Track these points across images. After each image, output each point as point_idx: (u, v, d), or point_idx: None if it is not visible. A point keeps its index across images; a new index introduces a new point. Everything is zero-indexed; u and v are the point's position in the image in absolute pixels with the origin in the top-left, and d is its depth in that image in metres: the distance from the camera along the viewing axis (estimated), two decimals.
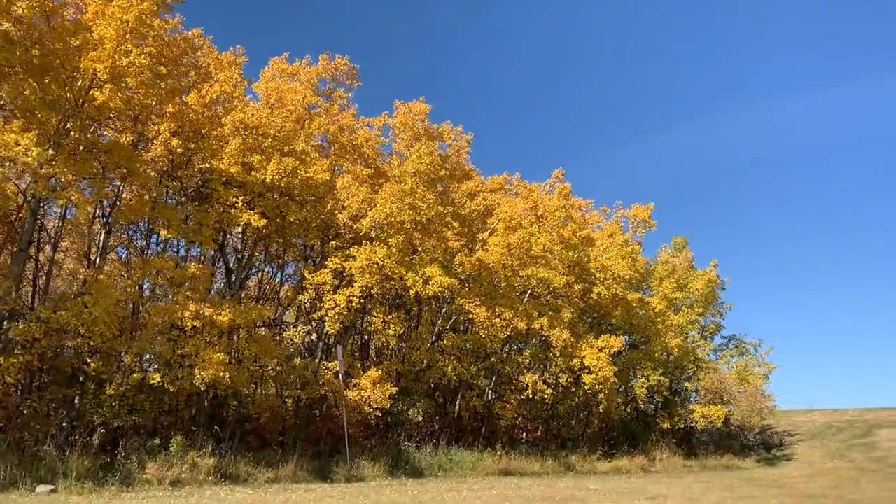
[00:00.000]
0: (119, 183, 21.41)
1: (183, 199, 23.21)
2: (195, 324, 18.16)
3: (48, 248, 21.01)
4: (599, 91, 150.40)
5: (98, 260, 21.09)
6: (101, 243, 21.36)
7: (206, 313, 17.97)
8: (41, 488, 14.23)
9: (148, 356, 19.13)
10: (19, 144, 14.59)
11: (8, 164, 14.40)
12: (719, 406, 34.25)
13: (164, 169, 21.91)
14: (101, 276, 18.22)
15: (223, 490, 16.43)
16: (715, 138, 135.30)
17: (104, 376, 18.36)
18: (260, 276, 30.04)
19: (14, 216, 20.11)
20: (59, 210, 20.97)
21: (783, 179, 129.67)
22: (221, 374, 17.95)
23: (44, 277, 20.67)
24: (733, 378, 36.24)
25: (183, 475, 17.07)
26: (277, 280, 29.59)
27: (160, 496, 14.84)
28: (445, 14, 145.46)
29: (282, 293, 28.35)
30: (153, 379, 17.99)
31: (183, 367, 18.42)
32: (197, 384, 18.16)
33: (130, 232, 24.74)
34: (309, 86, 25.30)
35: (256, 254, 27.62)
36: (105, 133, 20.78)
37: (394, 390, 22.27)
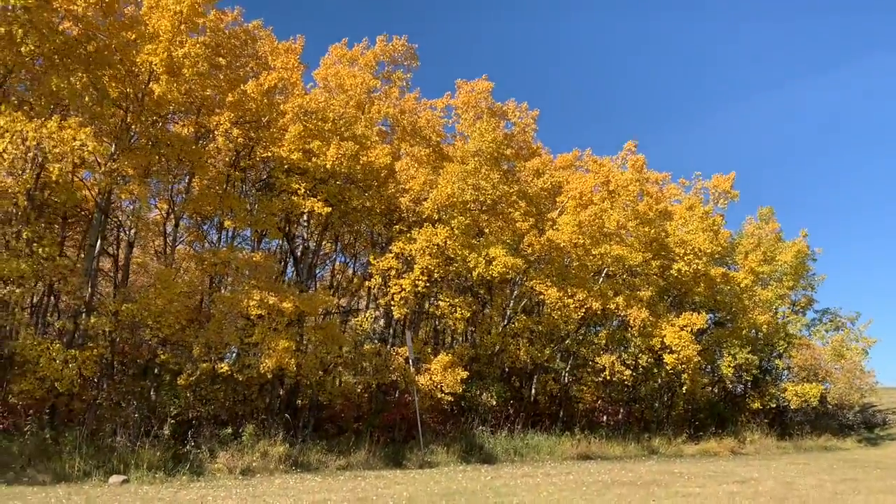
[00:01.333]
0: (187, 177, 21.83)
1: (248, 189, 23.36)
2: (261, 312, 18.11)
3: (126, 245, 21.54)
4: (674, 62, 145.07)
5: (168, 253, 21.46)
6: (171, 237, 21.70)
7: (271, 301, 17.86)
8: (114, 479, 14.41)
9: (216, 346, 19.16)
10: (76, 140, 14.71)
11: (66, 159, 14.49)
12: (814, 384, 32.28)
13: (229, 160, 22.11)
14: (164, 268, 18.33)
15: (293, 478, 16.32)
16: (796, 106, 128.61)
17: (175, 367, 18.55)
18: (333, 266, 30.15)
19: (86, 213, 20.67)
20: (132, 207, 21.49)
21: (872, 144, 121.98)
22: (287, 361, 17.86)
23: (122, 274, 21.18)
24: (828, 354, 34.07)
25: (254, 464, 17.07)
26: (351, 270, 29.61)
27: (229, 485, 14.80)
28: None
29: (355, 281, 28.29)
30: (221, 368, 18.03)
31: (250, 356, 18.41)
32: (263, 372, 18.12)
33: (206, 227, 25.17)
34: (367, 69, 24.94)
35: (327, 243, 27.71)
36: (170, 128, 21.04)
37: (465, 374, 21.76)
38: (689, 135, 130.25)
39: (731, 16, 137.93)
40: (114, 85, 17.70)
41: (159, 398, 19.66)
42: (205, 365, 18.20)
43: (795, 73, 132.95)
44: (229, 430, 18.66)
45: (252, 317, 18.40)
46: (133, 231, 21.22)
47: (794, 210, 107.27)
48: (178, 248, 22.73)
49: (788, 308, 36.49)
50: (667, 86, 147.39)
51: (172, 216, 21.44)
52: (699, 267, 28.58)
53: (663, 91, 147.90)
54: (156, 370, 19.41)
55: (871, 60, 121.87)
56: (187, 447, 16.67)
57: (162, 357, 18.04)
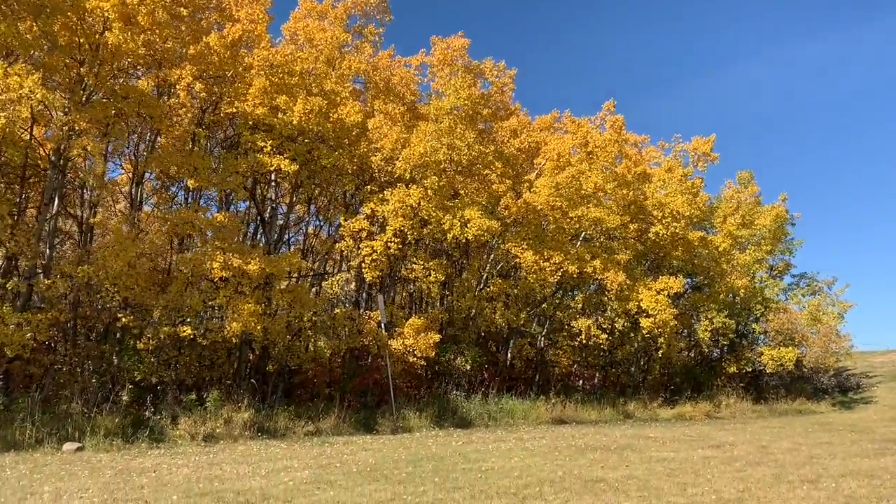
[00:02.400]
0: (154, 138, 20.92)
1: (214, 147, 22.47)
2: (225, 274, 17.44)
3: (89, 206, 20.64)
4: (657, 27, 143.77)
5: (132, 214, 20.63)
6: (137, 199, 20.85)
7: (235, 263, 17.18)
8: (67, 446, 13.81)
9: (179, 309, 18.46)
10: (24, 87, 13.82)
11: (11, 107, 13.61)
12: (790, 348, 32.23)
13: (194, 118, 21.17)
14: (120, 229, 17.51)
15: (257, 445, 15.81)
16: (771, 76, 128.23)
17: (136, 331, 17.88)
18: (306, 230, 29.33)
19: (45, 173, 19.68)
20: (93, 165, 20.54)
21: (850, 112, 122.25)
22: (253, 325, 17.26)
23: (88, 237, 20.33)
24: (805, 318, 34.01)
25: (217, 430, 16.54)
26: (326, 234, 28.84)
27: (189, 452, 14.26)
28: None
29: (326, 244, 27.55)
30: (184, 332, 17.37)
31: (214, 320, 17.77)
32: (228, 336, 17.52)
33: (174, 189, 24.24)
34: (338, 23, 23.90)
35: (300, 206, 26.90)
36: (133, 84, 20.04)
37: (437, 338, 21.30)
38: (669, 101, 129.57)
39: None
40: (65, 34, 16.69)
41: (122, 363, 19.03)
42: (166, 329, 17.53)
43: (774, 39, 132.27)
44: (193, 396, 18.08)
45: (216, 280, 17.73)
46: (95, 192, 20.36)
47: (773, 176, 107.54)
48: (145, 210, 21.93)
49: (766, 272, 36.35)
50: (649, 50, 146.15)
51: (138, 178, 20.58)
52: (677, 230, 28.20)
53: (645, 55, 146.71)
54: (117, 334, 18.76)
55: (852, 29, 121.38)
56: (147, 413, 16.06)
57: (123, 320, 17.31)
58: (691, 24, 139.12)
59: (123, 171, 23.68)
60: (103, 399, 16.39)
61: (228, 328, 17.48)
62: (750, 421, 27.35)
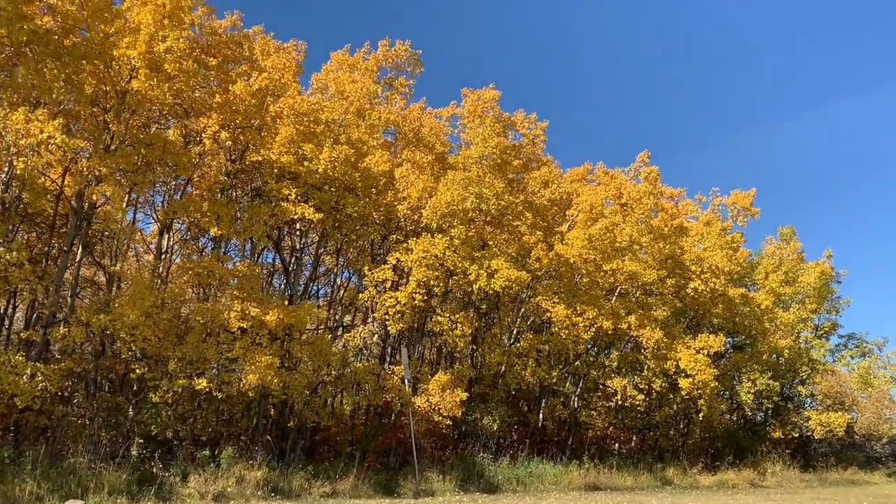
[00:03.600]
0: (178, 184, 20.81)
1: (239, 196, 22.23)
2: (242, 325, 16.87)
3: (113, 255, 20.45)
4: (695, 82, 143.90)
5: (158, 264, 20.37)
6: (159, 246, 20.61)
7: (252, 313, 16.61)
8: None
9: (195, 361, 17.85)
10: (44, 132, 13.64)
11: (31, 153, 13.41)
12: (839, 413, 30.38)
13: (219, 166, 21.02)
14: (139, 277, 17.13)
15: None
16: (819, 131, 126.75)
17: (150, 383, 17.30)
18: (335, 282, 28.81)
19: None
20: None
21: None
22: (270, 378, 16.54)
23: (117, 286, 20.04)
24: (855, 381, 32.20)
25: (229, 489, 15.71)
26: (354, 286, 28.25)
27: None
28: None
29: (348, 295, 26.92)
30: (199, 384, 16.72)
31: (230, 372, 17.12)
32: (244, 389, 16.83)
33: (203, 241, 24.01)
34: (368, 74, 23.83)
35: (328, 257, 26.44)
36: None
37: (464, 396, 20.32)
38: (706, 158, 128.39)
39: (755, 38, 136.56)
40: (91, 81, 16.66)
41: (139, 416, 18.43)
42: (181, 381, 16.91)
43: (818, 98, 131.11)
44: (207, 452, 17.35)
45: (234, 330, 17.14)
46: (122, 239, 20.21)
47: (816, 233, 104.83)
48: (176, 261, 21.69)
49: (811, 332, 34.65)
50: (685, 106, 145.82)
51: (165, 227, 20.38)
52: (716, 286, 27.05)
53: (681, 112, 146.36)
54: (133, 386, 18.19)
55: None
56: (154, 470, 15.33)
57: (137, 371, 16.74)
58: (729, 82, 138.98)
59: (154, 222, 23.58)
60: (112, 454, 15.69)
61: (245, 381, 16.83)
62: (798, 491, 25.60)
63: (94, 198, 16.15)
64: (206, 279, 18.83)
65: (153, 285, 17.36)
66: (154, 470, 15.42)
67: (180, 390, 17.83)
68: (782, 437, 31.44)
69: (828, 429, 30.10)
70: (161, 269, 20.18)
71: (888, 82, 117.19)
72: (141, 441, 16.75)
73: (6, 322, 20.29)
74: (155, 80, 16.85)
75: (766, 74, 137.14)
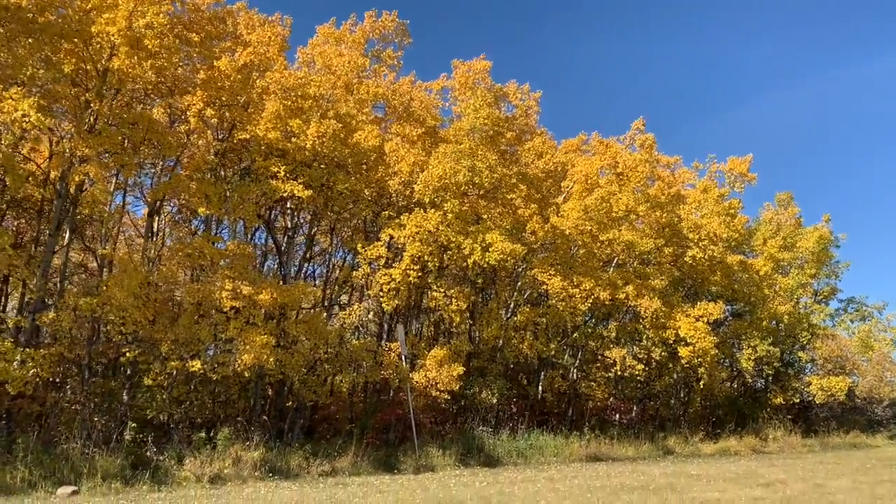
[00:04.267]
0: (164, 165, 20.47)
1: (229, 176, 21.89)
2: (235, 304, 16.62)
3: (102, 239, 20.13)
4: (691, 53, 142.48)
5: (148, 246, 20.09)
6: (148, 228, 20.32)
7: (245, 292, 16.36)
8: (62, 490, 12.92)
9: (188, 342, 17.63)
10: (18, 110, 13.29)
11: (6, 132, 13.07)
12: (840, 377, 30.33)
13: (207, 145, 20.65)
14: (125, 258, 16.86)
15: (267, 486, 14.78)
16: (816, 99, 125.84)
17: (143, 366, 17.12)
18: (330, 261, 28.55)
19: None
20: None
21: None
22: (265, 357, 16.33)
23: (108, 269, 19.75)
24: (855, 345, 32.10)
25: (226, 471, 15.53)
26: (351, 266, 27.96)
27: (192, 495, 13.28)
28: None
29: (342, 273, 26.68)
30: (193, 366, 16.52)
31: (224, 353, 16.91)
32: (240, 370, 16.62)
33: (196, 223, 23.73)
34: (355, 47, 23.40)
35: (322, 236, 26.16)
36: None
37: (461, 370, 20.14)
38: (703, 128, 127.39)
39: (753, 5, 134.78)
40: (71, 60, 16.24)
41: (134, 400, 18.28)
42: (174, 363, 16.72)
43: (817, 65, 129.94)
44: (203, 434, 17.17)
45: (226, 310, 16.90)
46: (110, 223, 19.89)
47: (815, 199, 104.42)
48: (168, 244, 21.40)
49: (811, 297, 34.53)
50: (682, 77, 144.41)
51: (154, 209, 20.08)
52: (715, 254, 26.85)
53: (678, 82, 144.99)
54: (127, 370, 18.00)
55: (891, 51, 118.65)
56: (148, 453, 15.16)
57: (129, 355, 16.52)
58: (726, 50, 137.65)
59: (145, 205, 23.27)
60: (106, 439, 15.52)
61: (239, 361, 16.58)
62: (800, 456, 25.58)
63: (77, 179, 15.77)
64: (197, 260, 18.56)
65: (142, 267, 17.08)
66: (148, 454, 15.22)
67: (174, 373, 17.69)
68: (783, 403, 31.41)
69: (829, 393, 30.08)
70: (153, 251, 19.87)
71: (883, 50, 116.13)
72: (135, 426, 16.55)
73: None
74: (136, 57, 16.44)
75: (763, 43, 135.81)
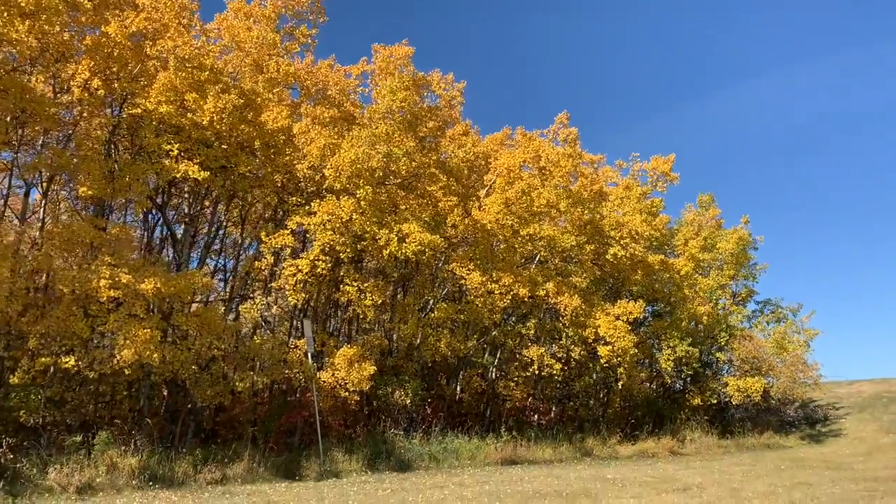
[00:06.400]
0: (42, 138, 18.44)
1: (121, 154, 20.00)
2: (115, 294, 14.87)
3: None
4: (624, 59, 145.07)
5: (23, 229, 18.08)
6: (23, 210, 18.26)
7: (125, 280, 14.65)
8: None
9: (61, 336, 15.77)
10: None
11: None
12: (756, 378, 30.44)
13: (98, 121, 18.72)
14: None
15: (144, 496, 13.20)
16: (742, 104, 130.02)
17: (8, 363, 15.19)
18: (238, 250, 26.82)
19: None
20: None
21: (817, 137, 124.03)
22: (148, 353, 14.67)
23: None
24: (771, 346, 32.34)
25: (98, 480, 13.84)
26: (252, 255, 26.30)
27: None
28: None
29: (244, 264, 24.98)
30: (66, 362, 14.72)
31: (99, 348, 15.16)
32: (120, 366, 14.90)
33: (93, 209, 21.61)
34: (266, 23, 21.78)
35: (230, 226, 24.43)
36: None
37: (372, 370, 18.83)
38: (628, 133, 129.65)
39: (678, 14, 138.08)
40: None
41: (5, 401, 16.25)
42: (44, 359, 14.88)
43: (739, 73, 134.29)
44: (78, 438, 15.39)
45: (104, 300, 15.13)
46: None
47: (736, 202, 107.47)
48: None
49: (729, 299, 34.74)
50: (610, 79, 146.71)
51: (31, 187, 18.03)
52: (636, 251, 26.45)
53: (607, 86, 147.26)
54: None
55: (808, 62, 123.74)
56: (2, 460, 13.33)
57: None
58: (653, 58, 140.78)
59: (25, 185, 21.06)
60: None
61: (119, 356, 14.86)
62: (717, 457, 25.39)
63: None
64: (74, 246, 16.67)
65: (8, 253, 15.13)
66: (2, 460, 13.37)
67: (50, 370, 15.87)
68: (701, 403, 31.35)
69: (745, 394, 30.15)
70: (38, 236, 17.85)
71: (803, 58, 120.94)
72: None
73: None
74: (6, 14, 14.57)
75: (689, 50, 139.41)
